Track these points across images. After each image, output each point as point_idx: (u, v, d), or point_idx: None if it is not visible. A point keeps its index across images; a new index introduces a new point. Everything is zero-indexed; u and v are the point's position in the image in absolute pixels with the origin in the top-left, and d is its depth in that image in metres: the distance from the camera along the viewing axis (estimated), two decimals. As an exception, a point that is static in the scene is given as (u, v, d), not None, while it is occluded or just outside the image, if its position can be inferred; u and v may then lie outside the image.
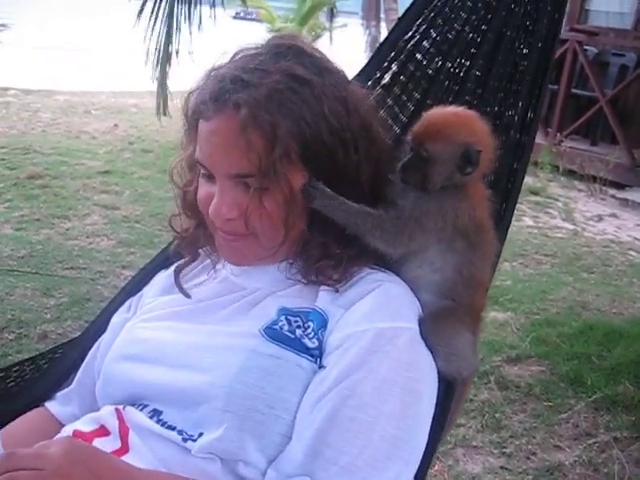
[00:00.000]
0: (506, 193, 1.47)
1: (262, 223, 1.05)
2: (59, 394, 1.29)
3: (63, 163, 6.10)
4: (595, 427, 2.75)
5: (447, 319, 1.11)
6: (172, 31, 5.06)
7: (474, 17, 1.55)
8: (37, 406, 1.28)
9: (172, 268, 1.26)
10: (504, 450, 2.60)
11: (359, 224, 1.07)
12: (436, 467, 2.46)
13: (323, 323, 1.03)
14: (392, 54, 1.56)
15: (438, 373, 1.08)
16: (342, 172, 1.07)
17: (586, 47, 7.88)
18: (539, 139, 7.86)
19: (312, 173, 1.05)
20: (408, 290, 1.09)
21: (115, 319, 1.30)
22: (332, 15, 12.07)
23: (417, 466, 0.99)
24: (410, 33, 1.58)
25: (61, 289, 3.58)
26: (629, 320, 3.74)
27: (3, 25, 9.80)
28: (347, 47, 8.95)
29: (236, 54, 1.09)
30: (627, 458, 2.58)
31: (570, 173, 7.37)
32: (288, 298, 1.08)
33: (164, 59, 5.29)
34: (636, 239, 5.72)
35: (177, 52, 5.20)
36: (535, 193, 6.73)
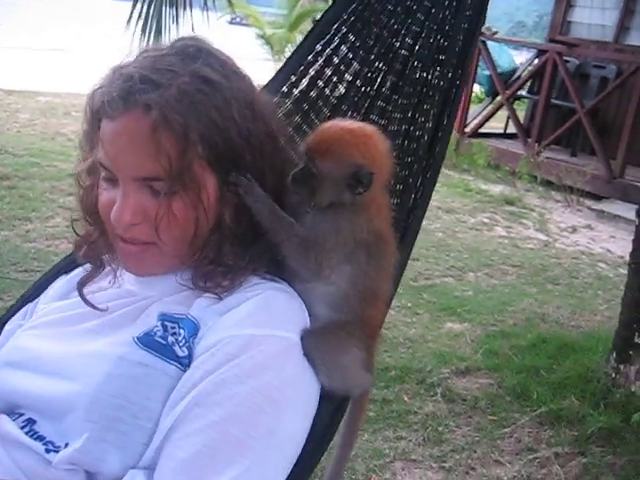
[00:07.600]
0: (414, 204, 1.43)
1: (170, 229, 1.01)
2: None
3: (34, 164, 6.03)
4: (537, 442, 2.70)
5: (335, 333, 1.06)
6: (161, 33, 5.06)
7: (393, 21, 1.52)
8: None
9: (74, 273, 1.22)
10: (443, 464, 2.54)
11: (279, 230, 1.04)
12: (372, 480, 2.41)
13: (194, 331, 1.00)
14: (309, 58, 1.53)
15: (326, 389, 1.04)
16: None
17: (567, 58, 7.90)
18: (518, 149, 7.87)
19: (220, 177, 1.02)
20: (296, 299, 1.05)
21: (8, 326, 1.25)
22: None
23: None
24: (328, 37, 1.55)
25: (10, 292, 3.51)
26: (585, 333, 3.70)
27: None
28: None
29: (140, 54, 1.06)
30: (566, 474, 2.52)
31: (548, 184, 7.37)
32: (172, 305, 1.05)
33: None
34: (608, 251, 5.69)
35: None
36: (510, 203, 6.71)
